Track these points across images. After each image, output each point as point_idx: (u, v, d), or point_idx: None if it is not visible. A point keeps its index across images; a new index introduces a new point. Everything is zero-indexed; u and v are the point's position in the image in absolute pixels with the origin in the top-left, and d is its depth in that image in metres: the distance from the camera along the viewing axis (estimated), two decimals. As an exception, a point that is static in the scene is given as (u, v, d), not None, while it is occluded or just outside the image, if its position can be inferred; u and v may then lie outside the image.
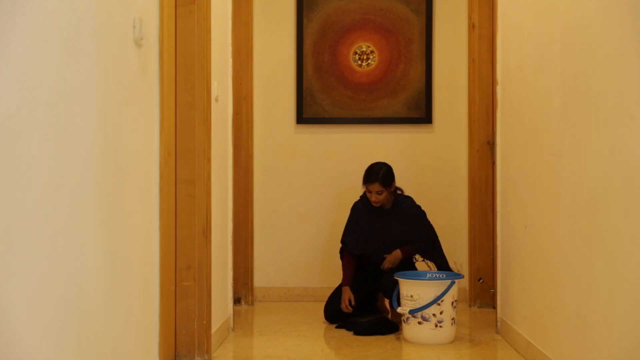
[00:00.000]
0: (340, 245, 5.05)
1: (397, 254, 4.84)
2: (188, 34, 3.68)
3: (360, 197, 5.06)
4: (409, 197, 5.02)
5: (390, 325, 4.56)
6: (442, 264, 4.87)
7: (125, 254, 2.53)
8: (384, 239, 4.89)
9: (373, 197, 4.85)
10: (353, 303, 4.79)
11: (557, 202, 3.31)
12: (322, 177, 5.78)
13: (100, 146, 2.28)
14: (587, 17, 2.94)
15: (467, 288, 5.42)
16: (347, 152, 5.77)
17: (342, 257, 5.01)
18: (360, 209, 4.99)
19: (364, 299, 4.92)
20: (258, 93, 5.71)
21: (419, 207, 4.98)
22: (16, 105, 1.74)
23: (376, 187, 4.82)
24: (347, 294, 4.82)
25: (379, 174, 4.83)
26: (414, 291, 4.23)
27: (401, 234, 4.87)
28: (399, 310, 4.29)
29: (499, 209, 4.48)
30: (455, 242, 5.64)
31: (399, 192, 5.01)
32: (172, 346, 3.65)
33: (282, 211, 5.74)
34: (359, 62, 5.75)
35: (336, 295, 4.87)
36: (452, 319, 4.24)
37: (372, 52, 5.75)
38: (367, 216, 4.95)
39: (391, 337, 4.45)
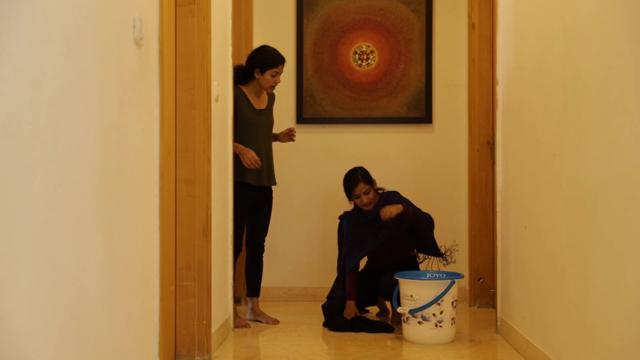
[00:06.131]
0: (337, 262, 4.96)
1: (398, 206, 4.59)
2: (188, 34, 3.68)
3: (340, 216, 5.00)
4: (392, 192, 4.91)
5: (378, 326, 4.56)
6: (433, 249, 4.82)
7: (125, 253, 2.53)
8: (377, 239, 4.80)
9: (364, 200, 4.77)
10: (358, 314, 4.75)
11: (557, 202, 3.31)
12: (322, 177, 5.78)
13: (100, 146, 2.28)
14: (587, 17, 2.94)
15: (467, 288, 5.43)
16: (347, 152, 5.77)
17: (338, 271, 4.90)
18: (347, 225, 4.90)
19: (361, 298, 4.91)
20: (258, 93, 5.70)
21: (404, 198, 4.86)
22: (16, 105, 1.74)
23: (361, 187, 4.76)
24: (353, 310, 4.74)
25: (358, 175, 4.78)
26: (414, 291, 4.23)
27: (393, 226, 4.73)
28: (399, 310, 4.29)
29: (499, 208, 4.47)
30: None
31: (380, 191, 4.93)
32: (172, 346, 3.65)
33: (282, 210, 5.74)
34: (359, 62, 5.75)
35: (334, 300, 4.82)
36: (452, 319, 4.24)
37: (372, 52, 5.75)
38: (356, 228, 4.86)
39: (391, 336, 4.45)
